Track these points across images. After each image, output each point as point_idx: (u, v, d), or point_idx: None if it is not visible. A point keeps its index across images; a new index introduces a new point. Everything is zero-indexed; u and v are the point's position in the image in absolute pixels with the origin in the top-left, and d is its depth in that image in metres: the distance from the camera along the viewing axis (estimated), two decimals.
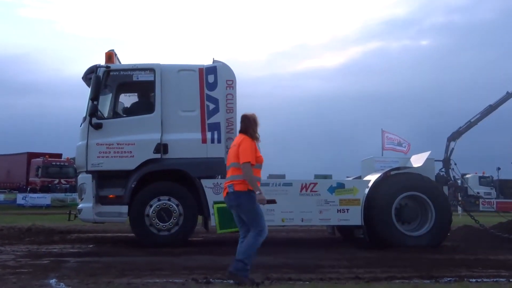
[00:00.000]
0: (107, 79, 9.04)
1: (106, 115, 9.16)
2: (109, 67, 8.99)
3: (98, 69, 8.90)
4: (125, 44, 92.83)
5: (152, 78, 9.10)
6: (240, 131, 5.66)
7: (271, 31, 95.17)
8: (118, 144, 8.82)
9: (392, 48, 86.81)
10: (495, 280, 6.05)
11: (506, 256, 8.20)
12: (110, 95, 9.47)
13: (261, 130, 5.67)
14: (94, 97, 8.65)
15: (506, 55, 75.61)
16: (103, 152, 8.77)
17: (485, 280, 6.04)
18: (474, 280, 6.03)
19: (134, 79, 9.20)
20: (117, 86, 9.49)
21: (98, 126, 8.77)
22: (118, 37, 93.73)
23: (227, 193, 5.54)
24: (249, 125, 5.57)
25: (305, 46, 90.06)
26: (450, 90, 74.57)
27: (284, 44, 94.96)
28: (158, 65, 9.18)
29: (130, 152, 8.81)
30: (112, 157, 8.77)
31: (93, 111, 8.72)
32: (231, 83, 9.43)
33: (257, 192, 5.37)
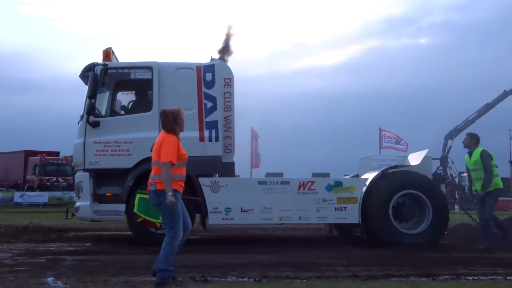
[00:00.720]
0: (104, 77, 9.02)
1: (103, 113, 9.15)
2: (107, 65, 8.98)
3: (96, 67, 8.90)
4: (123, 42, 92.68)
5: (149, 76, 9.08)
6: (162, 127, 5.57)
7: (270, 30, 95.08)
8: (115, 142, 8.82)
9: (391, 46, 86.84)
10: (492, 278, 6.06)
11: (502, 254, 8.22)
12: (108, 93, 9.46)
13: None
14: (92, 95, 8.64)
15: (505, 54, 75.68)
16: (101, 150, 8.76)
17: (482, 278, 6.05)
18: (471, 278, 6.04)
19: (132, 77, 9.18)
20: (115, 84, 9.47)
21: (95, 124, 8.76)
22: (116, 35, 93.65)
23: (149, 191, 5.49)
24: (167, 121, 5.49)
25: (304, 44, 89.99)
26: (448, 88, 74.63)
27: (283, 42, 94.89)
28: (156, 63, 9.17)
29: (128, 150, 8.80)
30: (109, 155, 8.76)
31: (91, 109, 8.71)
32: (229, 81, 9.43)
33: (169, 194, 5.31)
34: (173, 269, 5.36)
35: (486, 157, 8.47)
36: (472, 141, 8.71)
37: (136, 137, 8.84)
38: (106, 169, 8.75)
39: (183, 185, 5.55)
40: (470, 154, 8.67)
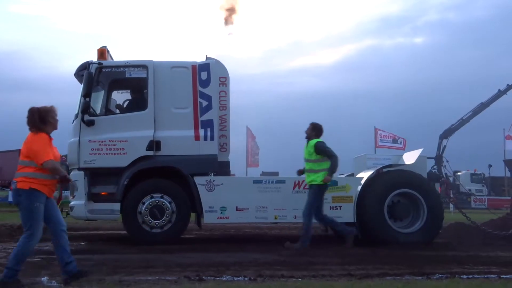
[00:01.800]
0: (99, 76, 8.99)
1: (98, 112, 9.11)
2: (102, 63, 8.95)
3: (91, 65, 8.86)
4: (118, 40, 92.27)
5: (144, 75, 9.05)
6: (29, 126, 5.36)
7: (266, 28, 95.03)
8: (110, 141, 8.79)
9: (386, 45, 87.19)
10: (486, 276, 6.08)
11: (496, 252, 8.26)
12: (103, 92, 9.42)
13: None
14: (86, 94, 8.61)
15: (501, 53, 76.10)
16: (95, 149, 8.72)
17: (476, 276, 6.07)
18: (465, 276, 6.07)
19: (127, 76, 9.15)
20: (110, 83, 9.45)
21: (90, 123, 8.72)
22: (111, 33, 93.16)
23: (12, 190, 5.42)
24: (33, 119, 5.31)
25: (300, 43, 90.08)
26: (444, 87, 74.93)
27: (279, 41, 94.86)
28: (151, 61, 9.15)
29: (123, 149, 8.77)
30: (104, 154, 8.73)
31: (85, 108, 8.68)
32: (224, 80, 9.42)
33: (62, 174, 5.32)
34: (21, 268, 5.24)
35: (321, 146, 8.07)
36: (313, 132, 8.31)
37: (131, 136, 8.82)
38: (101, 168, 8.72)
39: (53, 187, 5.39)
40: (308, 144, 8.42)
